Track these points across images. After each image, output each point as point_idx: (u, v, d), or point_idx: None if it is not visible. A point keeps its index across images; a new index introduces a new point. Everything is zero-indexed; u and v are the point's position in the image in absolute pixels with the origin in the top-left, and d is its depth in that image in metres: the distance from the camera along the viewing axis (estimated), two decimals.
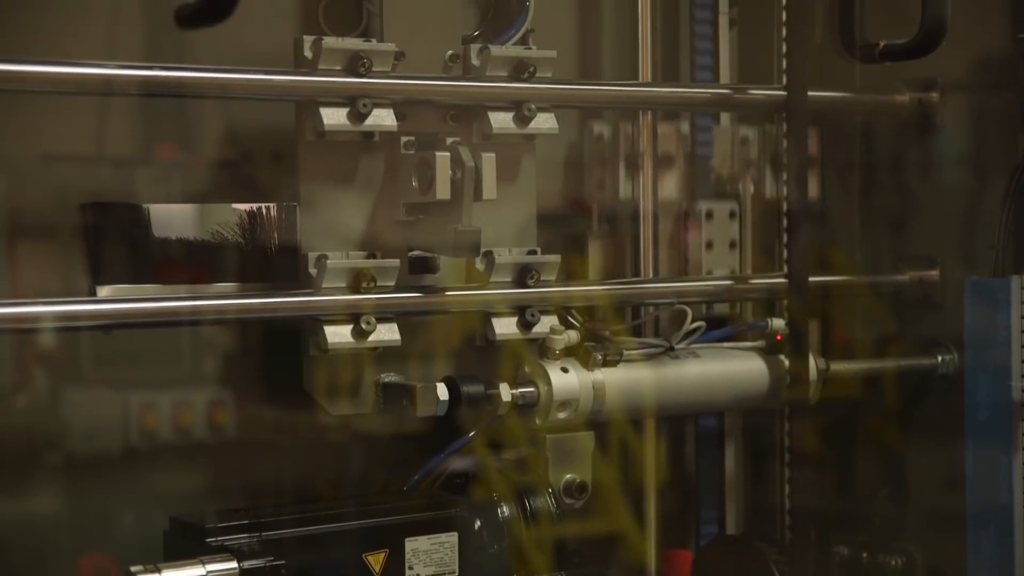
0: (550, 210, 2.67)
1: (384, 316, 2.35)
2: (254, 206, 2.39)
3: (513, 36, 2.52)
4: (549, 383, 2.43)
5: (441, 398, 2.36)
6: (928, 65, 2.67)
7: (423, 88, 2.41)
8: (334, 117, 2.31)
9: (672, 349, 2.56)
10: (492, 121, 2.43)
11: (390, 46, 2.35)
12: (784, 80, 2.67)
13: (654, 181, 2.70)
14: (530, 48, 2.49)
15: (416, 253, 2.43)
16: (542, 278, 2.48)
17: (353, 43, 2.33)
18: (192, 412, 2.42)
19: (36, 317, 2.15)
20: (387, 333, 2.35)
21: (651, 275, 2.70)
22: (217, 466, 2.46)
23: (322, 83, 2.31)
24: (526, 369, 2.45)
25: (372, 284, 2.33)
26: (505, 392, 2.40)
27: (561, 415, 2.45)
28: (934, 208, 2.78)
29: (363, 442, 2.55)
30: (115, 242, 2.30)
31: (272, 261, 2.39)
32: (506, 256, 2.47)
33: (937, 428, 2.75)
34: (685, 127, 2.79)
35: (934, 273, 2.77)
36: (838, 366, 2.72)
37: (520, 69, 2.45)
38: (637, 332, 2.66)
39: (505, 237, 2.49)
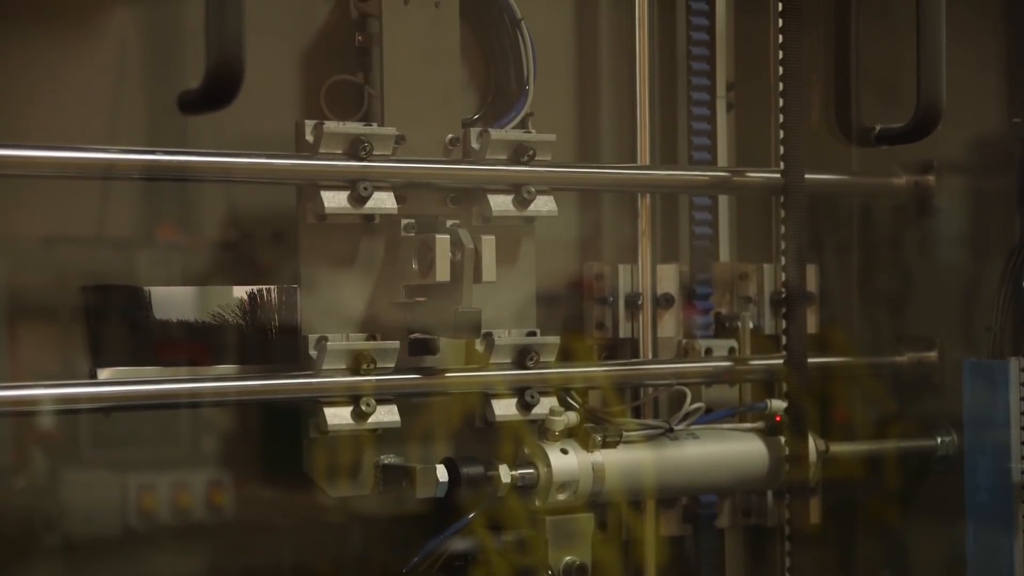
0: None
1: (384, 398, 2.36)
2: (255, 288, 2.40)
3: (513, 119, 2.55)
4: (549, 464, 2.43)
5: (441, 480, 2.36)
6: (925, 147, 2.69)
7: (423, 171, 2.43)
8: (335, 200, 2.32)
9: (671, 430, 2.56)
10: (492, 204, 2.45)
11: (391, 130, 2.38)
12: (781, 163, 2.69)
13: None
14: (529, 132, 2.51)
15: (416, 335, 2.44)
16: (541, 359, 2.49)
17: (354, 127, 2.35)
18: (191, 494, 2.41)
19: (36, 400, 2.15)
20: (387, 415, 2.36)
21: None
22: (216, 548, 2.45)
23: (323, 167, 2.33)
24: (526, 450, 2.45)
25: (372, 366, 2.34)
26: (504, 473, 2.40)
27: (561, 496, 2.44)
28: (932, 290, 2.79)
29: (363, 523, 2.54)
30: (115, 324, 2.31)
31: (272, 343, 2.40)
32: (505, 337, 2.48)
33: (937, 509, 2.74)
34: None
35: (933, 354, 2.78)
36: (837, 447, 2.72)
37: (519, 152, 2.47)
38: (636, 413, 2.66)
39: (504, 318, 2.50)
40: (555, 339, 2.51)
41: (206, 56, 2.02)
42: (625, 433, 2.50)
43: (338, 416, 2.33)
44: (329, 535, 2.53)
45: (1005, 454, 2.59)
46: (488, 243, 2.36)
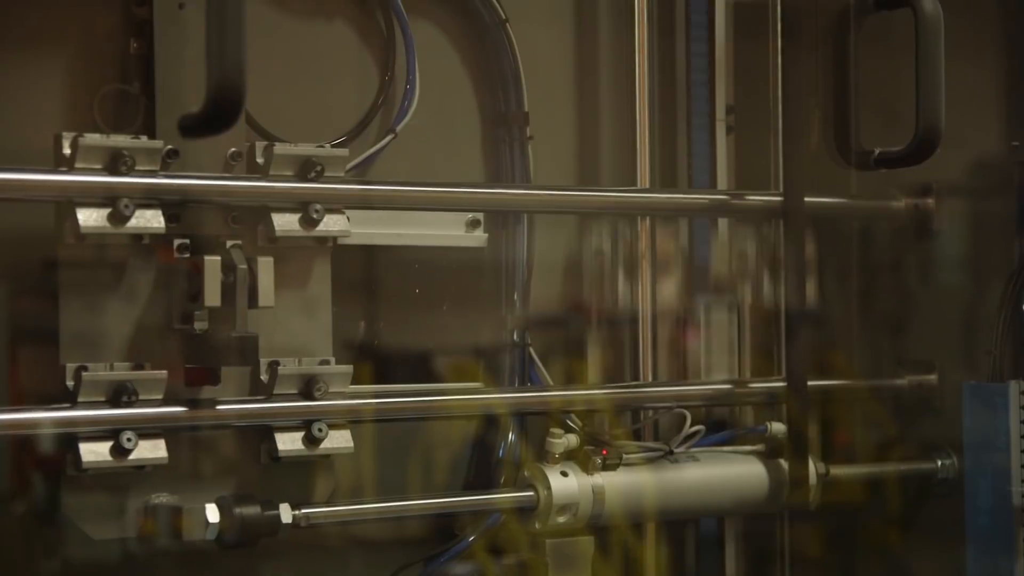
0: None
1: (149, 432, 2.16)
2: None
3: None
4: (548, 487, 2.43)
5: (211, 520, 2.19)
6: (924, 170, 2.69)
7: (191, 187, 2.21)
8: (93, 219, 2.13)
9: (671, 453, 2.56)
10: (276, 223, 2.25)
11: (156, 143, 2.17)
12: (781, 186, 2.69)
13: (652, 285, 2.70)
14: (322, 146, 2.32)
15: (191, 364, 2.22)
16: (331, 390, 2.29)
17: (118, 140, 2.15)
18: None
19: None
20: (150, 451, 2.15)
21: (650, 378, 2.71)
22: None
23: (77, 183, 2.13)
24: (525, 473, 2.45)
25: (134, 398, 2.14)
26: (286, 513, 2.24)
27: (561, 519, 2.44)
28: (932, 313, 2.79)
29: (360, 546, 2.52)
30: None
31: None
32: (292, 366, 2.28)
33: (938, 532, 2.74)
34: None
35: (932, 377, 2.78)
36: (838, 470, 2.72)
37: (307, 168, 2.28)
38: (637, 436, 2.66)
39: (298, 346, 2.30)
40: (347, 368, 2.32)
41: (207, 80, 2.01)
42: (625, 455, 2.50)
43: (95, 452, 2.13)
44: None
45: (1005, 477, 2.59)
46: (265, 265, 2.19)
